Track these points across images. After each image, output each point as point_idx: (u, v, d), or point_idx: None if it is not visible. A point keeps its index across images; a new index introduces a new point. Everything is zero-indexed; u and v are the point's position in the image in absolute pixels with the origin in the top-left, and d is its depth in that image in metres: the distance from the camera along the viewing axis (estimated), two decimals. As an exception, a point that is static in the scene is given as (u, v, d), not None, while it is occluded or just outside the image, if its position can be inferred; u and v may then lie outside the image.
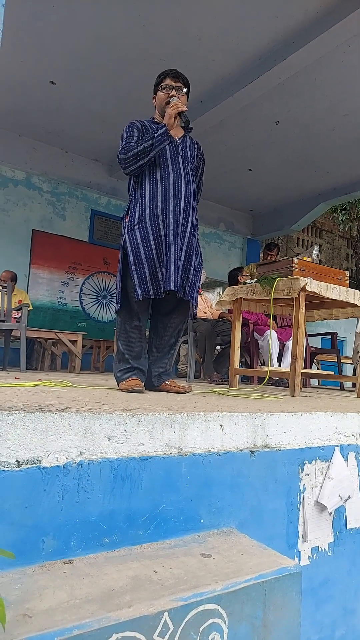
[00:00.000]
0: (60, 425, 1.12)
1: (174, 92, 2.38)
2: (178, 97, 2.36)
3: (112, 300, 7.41)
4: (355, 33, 3.92)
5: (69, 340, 5.05)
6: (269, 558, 1.21)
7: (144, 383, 2.31)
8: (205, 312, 4.86)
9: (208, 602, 1.00)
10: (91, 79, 4.97)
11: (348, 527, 1.75)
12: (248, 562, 1.17)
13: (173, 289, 2.21)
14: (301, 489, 1.59)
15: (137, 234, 2.27)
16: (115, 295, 7.35)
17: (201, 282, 5.38)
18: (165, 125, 2.29)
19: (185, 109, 2.31)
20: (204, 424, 1.38)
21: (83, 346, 5.87)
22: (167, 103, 2.36)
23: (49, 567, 1.05)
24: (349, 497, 1.69)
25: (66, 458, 1.11)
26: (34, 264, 6.64)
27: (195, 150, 2.50)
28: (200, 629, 0.98)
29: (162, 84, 2.42)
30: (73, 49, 4.50)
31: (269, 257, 5.55)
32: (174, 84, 2.40)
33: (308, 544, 1.58)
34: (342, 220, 11.61)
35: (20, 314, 4.41)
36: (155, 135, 2.25)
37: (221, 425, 1.42)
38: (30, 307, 5.30)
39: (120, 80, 4.96)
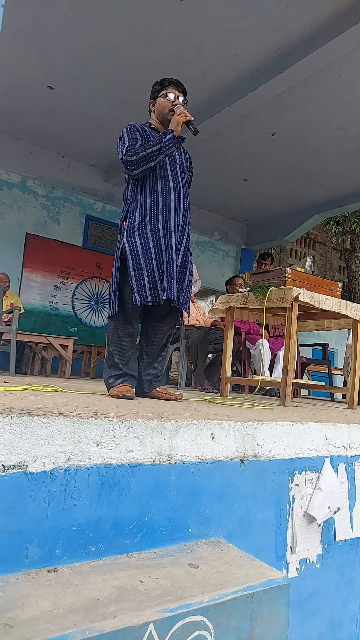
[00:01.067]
0: (48, 430, 1.10)
1: (177, 101, 2.41)
2: (182, 105, 2.39)
3: (105, 306, 7.38)
4: (352, 48, 3.98)
5: (60, 345, 5.01)
6: (257, 569, 1.19)
7: (134, 389, 2.30)
8: (197, 320, 4.85)
9: (194, 613, 0.98)
10: (89, 84, 4.99)
11: (337, 539, 1.74)
12: (236, 573, 1.15)
13: (175, 297, 2.23)
14: (291, 499, 1.57)
15: (137, 240, 2.27)
16: (107, 301, 7.32)
17: (196, 291, 5.41)
18: (172, 131, 2.30)
19: (192, 118, 2.34)
20: (195, 431, 1.36)
21: (74, 351, 5.83)
22: (171, 110, 2.39)
23: (32, 575, 1.02)
24: (338, 509, 1.68)
25: (53, 463, 1.09)
26: (27, 268, 6.60)
27: (188, 160, 2.53)
28: (186, 641, 0.96)
29: (165, 91, 2.43)
30: (72, 54, 4.51)
31: (263, 267, 5.57)
32: (177, 92, 2.43)
33: (296, 556, 1.57)
34: (335, 232, 11.70)
35: (9, 317, 4.37)
36: (163, 140, 2.26)
37: (212, 434, 1.40)
38: (22, 311, 5.27)
39: (118, 87, 4.98)
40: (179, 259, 2.31)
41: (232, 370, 4.25)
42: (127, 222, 2.34)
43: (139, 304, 2.22)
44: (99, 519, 1.13)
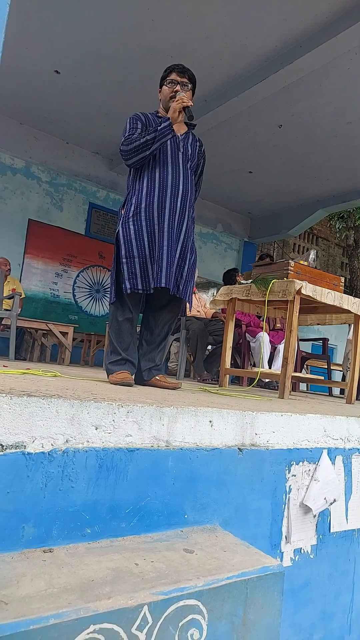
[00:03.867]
0: (47, 411, 1.10)
1: (178, 87, 2.36)
2: (183, 92, 2.35)
3: (106, 294, 7.37)
4: (363, 41, 3.93)
5: (60, 332, 5.01)
6: (251, 556, 1.19)
7: (133, 376, 2.30)
8: (198, 311, 4.85)
9: (189, 597, 0.98)
10: (96, 70, 4.94)
11: (331, 531, 1.75)
12: (231, 559, 1.15)
13: (164, 285, 2.21)
14: (287, 489, 1.57)
15: (131, 226, 2.26)
16: (108, 289, 7.32)
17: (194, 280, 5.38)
18: (169, 118, 2.27)
19: (190, 104, 2.30)
20: (194, 418, 1.36)
21: (74, 339, 5.83)
22: (172, 97, 2.35)
23: (28, 554, 1.02)
24: (334, 501, 1.68)
25: (52, 445, 1.09)
26: (29, 254, 6.58)
27: (197, 148, 2.49)
28: (180, 624, 0.96)
29: (168, 78, 2.40)
30: (80, 39, 4.46)
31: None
32: (179, 79, 2.38)
33: (291, 545, 1.57)
34: (338, 228, 11.64)
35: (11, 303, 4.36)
36: (159, 128, 2.23)
37: (210, 421, 1.40)
38: (23, 295, 5.26)
39: (125, 73, 4.93)
40: (177, 247, 2.29)
41: (231, 363, 4.25)
42: (124, 209, 2.33)
43: (129, 291, 2.21)
44: (95, 502, 1.13)
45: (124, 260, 2.23)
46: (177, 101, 2.28)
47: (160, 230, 2.25)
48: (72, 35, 4.43)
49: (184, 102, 2.27)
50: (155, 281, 2.22)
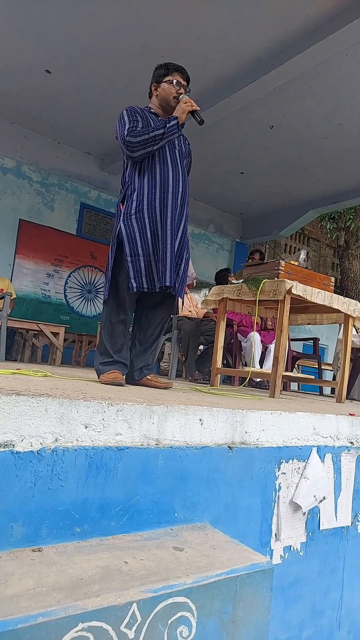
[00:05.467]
0: (36, 410, 1.10)
1: (182, 90, 2.39)
2: (187, 95, 2.38)
3: (97, 295, 7.35)
4: (354, 42, 3.96)
5: (51, 332, 4.99)
6: (241, 554, 1.20)
7: (124, 376, 2.29)
8: (190, 311, 4.85)
9: (178, 594, 0.98)
10: (88, 70, 4.92)
11: (321, 528, 1.76)
12: (220, 557, 1.16)
13: (168, 284, 2.19)
14: (277, 487, 1.58)
15: (134, 224, 2.24)
16: (101, 290, 7.29)
17: (193, 285, 5.40)
18: (176, 117, 2.28)
19: (198, 108, 2.35)
20: (184, 417, 1.37)
21: (65, 340, 5.81)
22: (175, 98, 2.37)
23: (17, 554, 1.02)
24: (323, 498, 1.69)
25: (41, 444, 1.09)
26: (19, 254, 6.54)
27: (187, 146, 2.51)
28: (169, 621, 0.97)
29: (170, 77, 2.40)
30: (71, 38, 4.44)
31: (250, 262, 5.56)
32: (183, 81, 2.41)
33: (281, 543, 1.58)
34: (329, 229, 11.72)
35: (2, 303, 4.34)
36: (167, 125, 2.24)
37: (200, 420, 1.40)
38: (14, 296, 5.23)
39: (117, 73, 4.92)
40: (175, 244, 2.28)
41: (222, 363, 4.25)
42: (124, 205, 2.31)
43: (135, 290, 2.19)
44: (85, 501, 1.13)
45: (129, 258, 2.20)
46: (186, 103, 2.32)
47: (163, 228, 2.24)
48: (63, 35, 4.41)
49: (193, 106, 2.32)
50: (161, 280, 2.20)
